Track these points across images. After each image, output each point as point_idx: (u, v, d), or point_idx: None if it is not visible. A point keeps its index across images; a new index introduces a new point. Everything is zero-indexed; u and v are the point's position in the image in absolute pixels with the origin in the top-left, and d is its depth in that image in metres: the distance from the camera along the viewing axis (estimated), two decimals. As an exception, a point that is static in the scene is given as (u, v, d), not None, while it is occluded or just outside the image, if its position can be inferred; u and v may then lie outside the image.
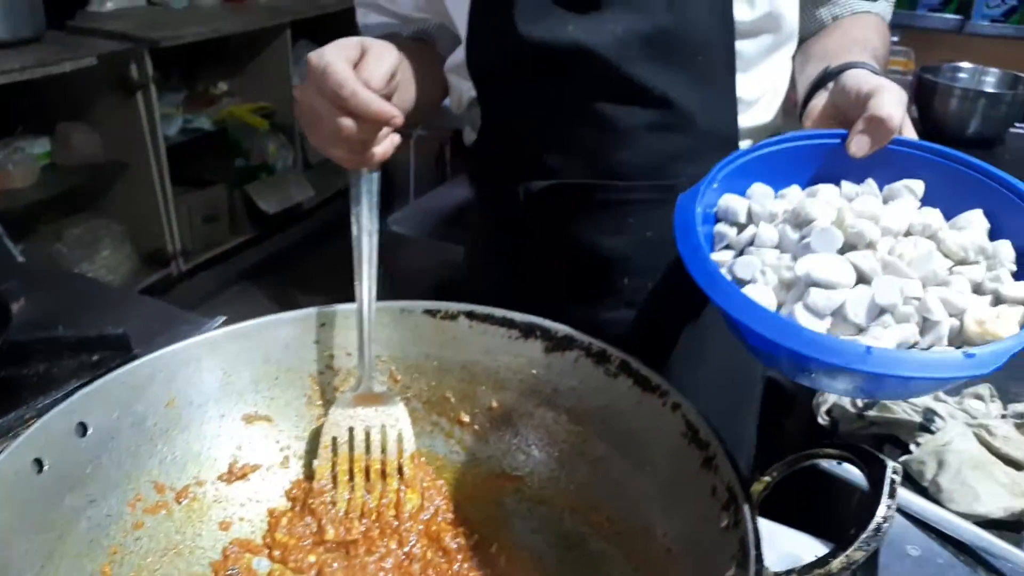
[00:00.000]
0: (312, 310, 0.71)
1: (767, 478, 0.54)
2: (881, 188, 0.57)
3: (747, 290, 0.51)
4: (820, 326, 0.48)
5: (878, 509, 0.45)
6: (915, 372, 0.44)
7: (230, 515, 0.64)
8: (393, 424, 0.69)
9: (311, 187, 2.84)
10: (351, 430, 0.69)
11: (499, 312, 0.70)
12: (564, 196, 0.79)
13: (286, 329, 0.70)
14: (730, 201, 0.57)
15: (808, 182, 0.59)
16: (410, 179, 2.13)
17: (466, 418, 0.72)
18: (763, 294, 0.51)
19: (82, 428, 0.57)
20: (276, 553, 0.63)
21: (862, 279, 0.50)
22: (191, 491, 0.63)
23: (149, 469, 0.61)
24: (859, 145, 0.56)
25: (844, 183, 0.58)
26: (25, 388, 0.83)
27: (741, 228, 0.57)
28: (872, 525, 0.45)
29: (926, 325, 0.48)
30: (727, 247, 0.57)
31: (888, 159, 0.57)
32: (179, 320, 0.95)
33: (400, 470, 0.69)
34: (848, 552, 0.45)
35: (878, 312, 0.48)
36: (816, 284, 0.49)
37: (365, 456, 0.68)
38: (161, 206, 2.29)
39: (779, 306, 0.51)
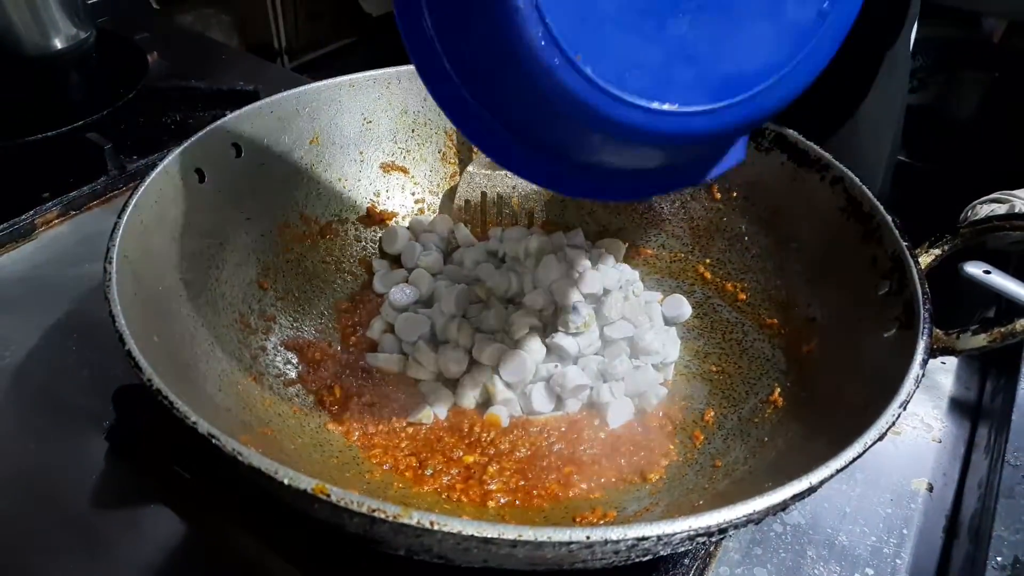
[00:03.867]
0: (452, 62, 0.68)
1: (937, 250, 0.51)
2: None
3: None
4: None
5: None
6: None
7: (369, 255, 0.66)
8: (524, 192, 0.69)
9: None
10: (483, 194, 0.69)
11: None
12: None
13: (425, 80, 0.68)
14: None
15: None
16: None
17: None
18: None
19: (236, 149, 0.58)
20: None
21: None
22: (334, 227, 0.65)
23: (297, 200, 0.63)
24: None
25: None
26: (164, 133, 0.86)
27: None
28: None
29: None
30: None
31: None
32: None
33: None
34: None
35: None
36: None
37: (497, 220, 0.69)
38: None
39: None
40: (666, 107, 0.35)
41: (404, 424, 0.54)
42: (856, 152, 0.77)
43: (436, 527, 0.31)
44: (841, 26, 0.37)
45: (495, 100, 0.39)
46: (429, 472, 0.51)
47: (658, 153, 0.40)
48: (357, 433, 0.53)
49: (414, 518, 0.31)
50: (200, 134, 0.56)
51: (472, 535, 0.31)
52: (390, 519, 0.31)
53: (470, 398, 0.56)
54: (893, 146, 0.84)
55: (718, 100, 0.36)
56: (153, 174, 0.51)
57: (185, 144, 0.54)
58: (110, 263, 0.44)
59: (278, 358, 0.56)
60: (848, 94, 0.78)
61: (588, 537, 0.31)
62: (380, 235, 0.67)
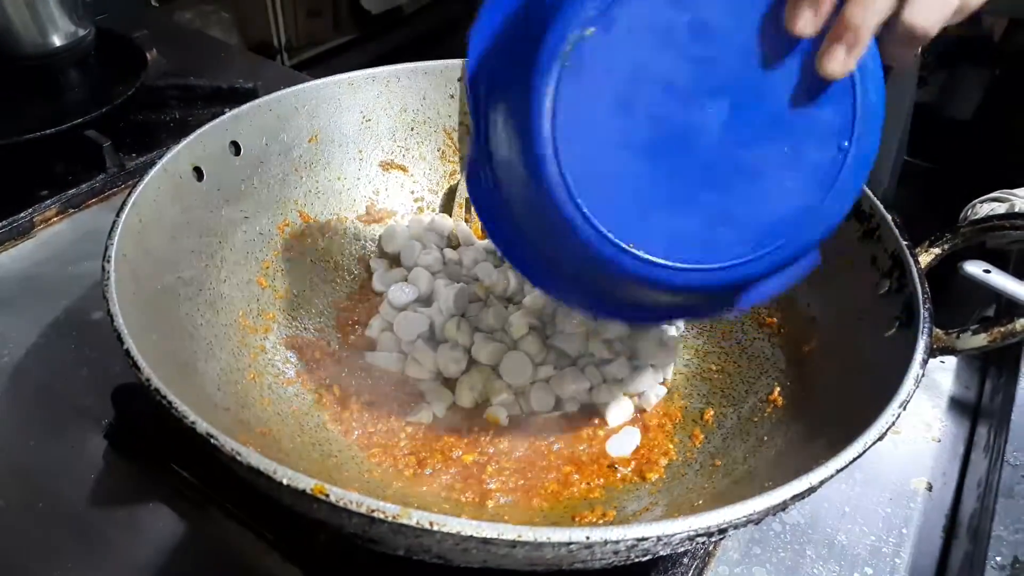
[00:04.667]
0: (453, 61, 0.68)
1: (936, 249, 0.51)
2: None
3: None
4: None
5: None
6: None
7: (369, 252, 0.66)
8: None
9: (414, -11, 2.72)
10: (483, 191, 0.69)
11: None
12: None
13: (425, 79, 0.68)
14: None
15: None
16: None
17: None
18: None
19: (235, 147, 0.58)
20: (411, 292, 0.65)
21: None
22: (333, 226, 0.65)
23: (295, 198, 0.63)
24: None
25: None
26: (163, 131, 0.86)
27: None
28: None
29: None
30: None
31: None
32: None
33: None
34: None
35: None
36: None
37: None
38: (267, -3, 2.24)
39: None
40: (715, 266, 0.39)
41: (403, 423, 0.54)
42: None
43: (435, 527, 0.31)
44: (864, 157, 0.40)
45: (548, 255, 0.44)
46: (428, 471, 0.51)
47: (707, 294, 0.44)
48: (356, 432, 0.53)
49: (413, 518, 0.31)
50: (199, 132, 0.55)
51: (471, 535, 0.31)
52: (389, 519, 0.31)
53: (469, 397, 0.56)
54: (900, 146, 0.84)
55: (760, 248, 0.40)
56: (152, 172, 0.51)
57: (184, 142, 0.54)
58: (108, 262, 0.44)
59: (277, 357, 0.56)
60: None
61: (588, 537, 0.31)
62: (379, 234, 0.67)
